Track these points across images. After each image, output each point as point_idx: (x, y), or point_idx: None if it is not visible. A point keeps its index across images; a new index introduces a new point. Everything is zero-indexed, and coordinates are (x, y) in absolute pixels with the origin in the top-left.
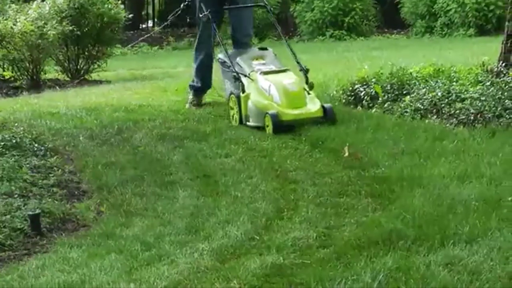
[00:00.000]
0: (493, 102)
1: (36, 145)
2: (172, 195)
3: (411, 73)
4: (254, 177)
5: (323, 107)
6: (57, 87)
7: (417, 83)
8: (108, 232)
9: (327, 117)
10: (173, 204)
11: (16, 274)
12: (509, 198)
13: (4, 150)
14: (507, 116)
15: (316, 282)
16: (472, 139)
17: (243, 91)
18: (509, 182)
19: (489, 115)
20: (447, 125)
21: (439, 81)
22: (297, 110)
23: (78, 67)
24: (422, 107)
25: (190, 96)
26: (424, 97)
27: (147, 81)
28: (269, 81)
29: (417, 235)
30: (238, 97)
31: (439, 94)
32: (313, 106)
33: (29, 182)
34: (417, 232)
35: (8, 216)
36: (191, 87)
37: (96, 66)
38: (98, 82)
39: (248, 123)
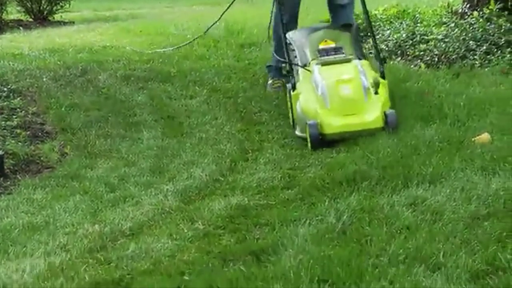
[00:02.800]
0: (457, 44)
1: None
2: (136, 137)
3: (375, 15)
4: (219, 119)
5: (385, 114)
6: (20, 28)
7: (381, 25)
8: (72, 174)
9: (389, 126)
10: (138, 146)
11: None
12: (472, 139)
13: None
14: (471, 57)
15: (280, 222)
16: (436, 80)
17: (293, 88)
18: (472, 123)
19: (453, 57)
20: (412, 66)
21: (403, 22)
22: (349, 119)
23: (41, 7)
24: (386, 48)
25: (270, 80)
26: (389, 38)
27: (111, 22)
28: (323, 77)
29: (381, 176)
30: (290, 95)
31: (404, 35)
32: (371, 114)
33: None
34: (381, 173)
35: None
36: (271, 68)
37: (59, 7)
38: (62, 23)
39: (296, 131)
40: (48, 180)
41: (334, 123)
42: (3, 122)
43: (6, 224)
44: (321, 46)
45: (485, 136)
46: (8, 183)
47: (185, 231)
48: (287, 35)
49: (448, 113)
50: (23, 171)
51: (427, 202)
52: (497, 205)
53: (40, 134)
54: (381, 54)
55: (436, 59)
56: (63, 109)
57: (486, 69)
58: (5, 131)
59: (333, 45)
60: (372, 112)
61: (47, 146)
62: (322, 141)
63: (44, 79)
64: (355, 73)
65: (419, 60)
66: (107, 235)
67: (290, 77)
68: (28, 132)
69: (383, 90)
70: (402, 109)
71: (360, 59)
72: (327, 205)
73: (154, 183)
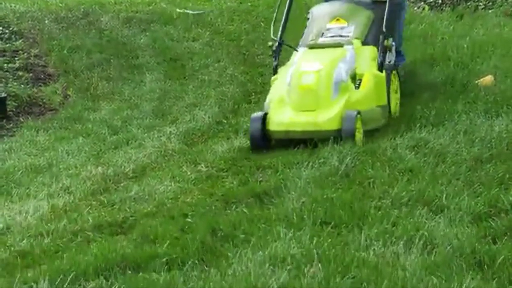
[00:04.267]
0: None
1: (0, 28)
2: (139, 79)
3: None
4: (221, 61)
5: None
6: None
7: None
8: (75, 116)
9: (344, 132)
10: (140, 88)
11: None
12: (476, 82)
13: None
14: None
15: (283, 165)
16: (439, 22)
17: (274, 71)
18: (476, 66)
19: None
20: (415, 8)
21: None
22: (301, 117)
23: None
24: None
25: None
26: None
27: None
28: (297, 63)
29: None
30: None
31: None
32: (327, 114)
33: None
34: None
35: None
36: None
37: None
38: None
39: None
40: (50, 122)
41: (281, 119)
42: (5, 64)
43: (9, 166)
44: (328, 25)
45: (488, 79)
46: (11, 125)
47: (188, 173)
48: (312, 9)
49: (452, 56)
50: (25, 113)
51: (430, 145)
52: (500, 148)
53: (42, 76)
54: (386, 42)
55: (440, 1)
56: (65, 51)
57: (490, 11)
58: (7, 73)
59: (341, 24)
60: (329, 111)
61: (49, 89)
62: (264, 139)
63: (46, 21)
64: (330, 62)
65: (422, 2)
66: (110, 177)
67: (273, 58)
68: (31, 74)
69: (369, 85)
70: (405, 52)
71: (369, 43)
72: (330, 149)
73: (157, 125)
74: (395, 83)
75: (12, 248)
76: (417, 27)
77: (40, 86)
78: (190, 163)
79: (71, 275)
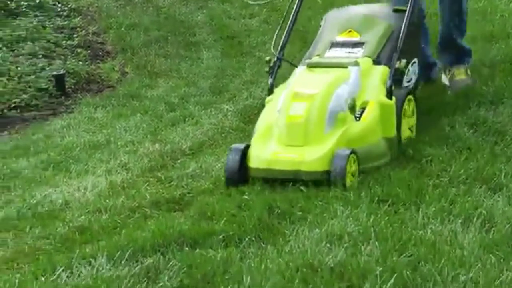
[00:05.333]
0: None
1: (59, 5)
2: (196, 56)
3: None
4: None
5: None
6: None
7: None
8: (132, 93)
9: (333, 175)
10: (197, 65)
11: (42, 134)
12: None
13: (27, 10)
14: None
15: None
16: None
17: (270, 91)
18: None
19: None
20: None
21: None
22: (285, 153)
23: None
24: None
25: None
26: None
27: None
28: (290, 85)
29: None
30: None
31: None
32: (315, 151)
33: (53, 43)
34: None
35: (33, 77)
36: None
37: None
38: None
39: None
40: (108, 99)
41: (263, 155)
42: (64, 41)
43: (68, 143)
44: (338, 38)
45: None
46: (70, 102)
47: None
48: (326, 15)
49: (510, 33)
50: (84, 90)
51: (488, 123)
52: None
53: (100, 53)
54: (399, 63)
55: None
56: (123, 28)
57: None
58: (66, 50)
59: (353, 38)
60: (318, 149)
61: (107, 66)
62: (243, 176)
63: None
64: (327, 88)
65: None
66: (167, 154)
67: (269, 75)
68: (89, 52)
69: (373, 116)
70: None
71: (383, 62)
72: None
73: (214, 102)
74: (410, 108)
75: (71, 224)
76: (476, 4)
77: (98, 63)
78: (247, 140)
79: (129, 251)
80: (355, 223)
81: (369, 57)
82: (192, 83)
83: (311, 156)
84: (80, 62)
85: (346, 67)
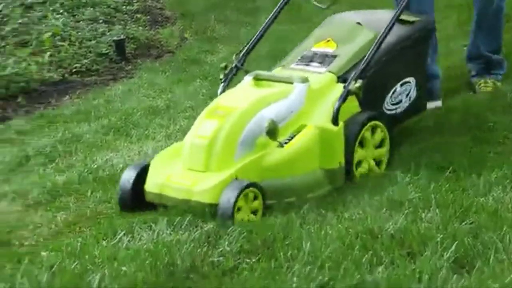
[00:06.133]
0: None
1: None
2: (255, 22)
3: None
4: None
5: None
6: None
7: None
8: (192, 58)
9: (220, 210)
10: (257, 31)
11: (102, 98)
12: None
13: None
14: None
15: None
16: None
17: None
18: None
19: None
20: None
21: None
22: (179, 179)
23: None
24: None
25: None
26: None
27: None
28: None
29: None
30: None
31: None
32: (209, 180)
33: (113, 8)
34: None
35: (93, 42)
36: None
37: None
38: None
39: None
40: (168, 64)
41: (156, 178)
42: (123, 7)
43: (128, 108)
44: (313, 48)
45: None
46: (130, 67)
47: None
48: (334, 16)
49: None
50: (144, 55)
51: None
52: None
53: (160, 19)
54: (354, 84)
55: None
56: None
57: None
58: (125, 15)
59: (327, 49)
60: (215, 178)
61: (167, 31)
62: (137, 199)
63: None
64: (251, 107)
65: None
66: None
67: (221, 84)
68: (148, 17)
69: (301, 143)
70: None
71: (347, 81)
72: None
73: (274, 68)
74: (376, 137)
75: None
76: None
77: (158, 28)
78: None
79: (189, 216)
80: (416, 190)
81: (334, 73)
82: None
83: (202, 186)
84: (140, 28)
85: (292, 83)
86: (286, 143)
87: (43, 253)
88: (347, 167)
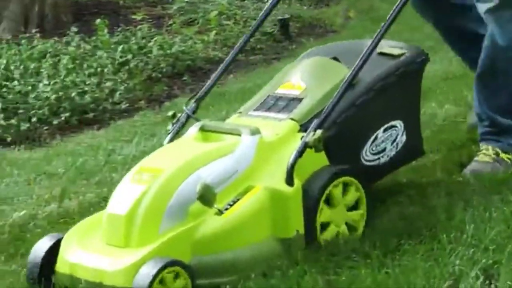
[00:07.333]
0: None
1: None
2: None
3: None
4: None
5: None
6: None
7: None
8: (356, 38)
9: None
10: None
11: (267, 77)
12: None
13: None
14: None
15: None
16: None
17: None
18: None
19: None
20: None
21: None
22: (95, 257)
23: None
24: None
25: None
26: None
27: None
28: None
29: None
30: None
31: None
32: (125, 259)
33: None
34: None
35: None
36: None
37: None
38: None
39: None
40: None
41: (66, 256)
42: None
43: None
44: (279, 90)
45: None
46: (294, 46)
47: (469, 97)
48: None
49: None
50: (307, 34)
51: None
52: None
53: None
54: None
55: None
56: None
57: None
58: None
59: (292, 91)
60: (131, 257)
61: (331, 10)
62: (45, 278)
63: None
64: (184, 167)
65: None
66: None
67: (168, 133)
68: None
69: (247, 208)
70: None
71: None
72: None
73: (441, 49)
74: (349, 197)
75: None
76: None
77: (322, 7)
78: (469, 89)
79: None
80: None
81: (296, 120)
82: (416, 28)
83: (117, 266)
84: (304, 7)
85: (239, 135)
86: (227, 209)
87: None
88: (308, 235)
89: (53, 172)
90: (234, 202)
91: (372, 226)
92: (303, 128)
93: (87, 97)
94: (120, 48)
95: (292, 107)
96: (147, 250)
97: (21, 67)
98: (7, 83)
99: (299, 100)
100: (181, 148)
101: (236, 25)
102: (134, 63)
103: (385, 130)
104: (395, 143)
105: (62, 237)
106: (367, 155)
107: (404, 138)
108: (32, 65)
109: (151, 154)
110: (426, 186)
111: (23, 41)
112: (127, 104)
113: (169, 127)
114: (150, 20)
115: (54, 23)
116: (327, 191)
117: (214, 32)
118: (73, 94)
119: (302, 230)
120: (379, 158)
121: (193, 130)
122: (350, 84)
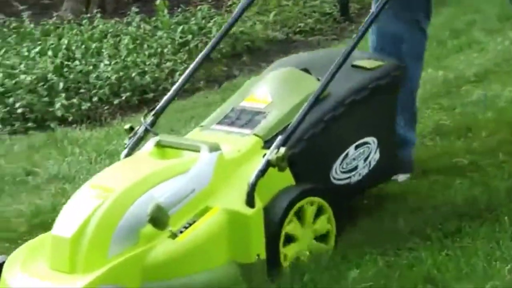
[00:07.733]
0: None
1: None
2: None
3: None
4: None
5: None
6: None
7: None
8: None
9: None
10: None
11: None
12: None
13: None
14: None
15: None
16: None
17: None
18: None
19: None
20: None
21: None
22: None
23: None
24: None
25: None
26: None
27: None
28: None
29: None
30: None
31: None
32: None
33: None
34: None
35: (317, 1)
36: None
37: None
38: None
39: None
40: None
41: (10, 283)
42: None
43: None
44: (244, 103)
45: None
46: (353, 27)
47: None
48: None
49: None
50: (367, 15)
51: None
52: None
53: None
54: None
55: None
56: None
57: None
58: None
59: (257, 104)
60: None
61: None
62: None
63: None
64: (134, 187)
65: None
66: (451, 81)
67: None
68: None
69: (203, 232)
70: None
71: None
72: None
73: (500, 30)
74: (311, 214)
75: None
76: None
77: None
78: None
79: None
80: None
81: (260, 136)
82: (478, 10)
83: None
84: None
85: (198, 151)
86: (182, 232)
87: None
88: (270, 259)
89: (113, 151)
90: (190, 225)
91: (433, 207)
92: (268, 144)
93: (147, 77)
94: (180, 28)
95: (257, 121)
96: (94, 276)
97: (83, 47)
98: (69, 63)
99: (264, 114)
100: (134, 165)
101: (295, 5)
102: (194, 43)
103: (356, 147)
104: (367, 161)
105: (5, 260)
106: (337, 174)
107: (377, 155)
108: (93, 45)
109: (103, 171)
110: (488, 168)
111: (84, 21)
112: (186, 84)
113: (126, 141)
114: (210, 0)
115: (115, 3)
116: (291, 213)
117: (273, 13)
118: (133, 74)
119: (263, 255)
120: (350, 177)
121: (149, 145)
122: (318, 98)
